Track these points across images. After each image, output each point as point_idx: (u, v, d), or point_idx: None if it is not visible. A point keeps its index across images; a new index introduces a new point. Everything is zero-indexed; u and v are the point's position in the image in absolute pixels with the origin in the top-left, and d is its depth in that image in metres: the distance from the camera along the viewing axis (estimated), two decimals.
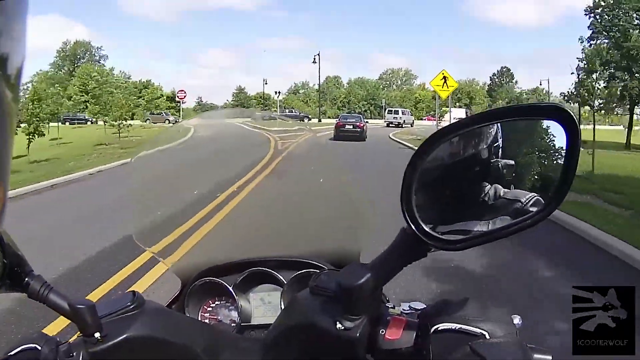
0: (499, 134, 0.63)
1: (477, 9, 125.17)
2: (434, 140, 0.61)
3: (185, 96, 38.34)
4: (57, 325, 2.93)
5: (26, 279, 0.68)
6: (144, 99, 64.29)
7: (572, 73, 21.18)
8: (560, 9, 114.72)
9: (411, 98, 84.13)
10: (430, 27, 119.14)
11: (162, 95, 66.63)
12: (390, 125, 46.19)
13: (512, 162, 0.63)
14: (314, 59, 61.84)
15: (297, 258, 1.07)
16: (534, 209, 0.61)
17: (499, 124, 0.63)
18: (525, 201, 0.62)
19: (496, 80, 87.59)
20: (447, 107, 42.01)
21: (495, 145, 0.63)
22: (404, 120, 48.16)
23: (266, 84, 72.69)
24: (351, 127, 25.84)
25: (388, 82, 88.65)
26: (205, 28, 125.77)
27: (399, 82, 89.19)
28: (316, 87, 75.54)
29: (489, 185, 0.63)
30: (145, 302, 0.75)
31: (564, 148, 0.59)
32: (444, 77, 20.00)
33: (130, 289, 0.78)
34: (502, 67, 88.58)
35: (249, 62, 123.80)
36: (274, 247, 1.15)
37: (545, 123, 0.61)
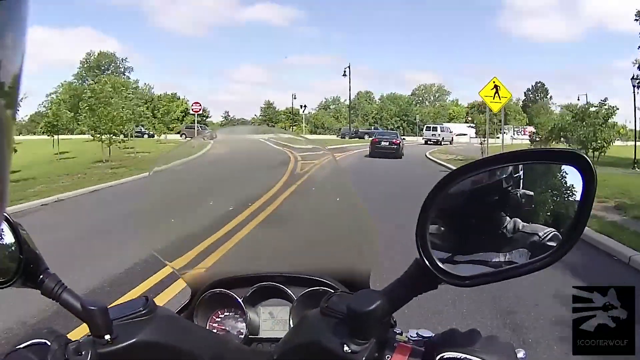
0: (520, 169, 0.67)
1: (508, 24, 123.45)
2: (454, 177, 0.64)
3: (200, 109, 36.45)
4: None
5: (41, 276, 0.72)
6: (159, 112, 64.82)
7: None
8: (591, 24, 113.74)
9: (444, 114, 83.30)
10: (461, 44, 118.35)
11: (186, 109, 65.71)
12: (429, 142, 45.13)
13: (532, 192, 0.67)
14: (344, 71, 60.09)
15: (308, 275, 1.10)
16: (552, 244, 0.64)
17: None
18: (543, 235, 0.66)
19: (530, 95, 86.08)
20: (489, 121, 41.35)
21: (515, 176, 0.66)
22: (443, 138, 46.73)
23: (295, 98, 71.88)
24: (387, 143, 26.19)
25: (421, 98, 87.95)
26: (237, 43, 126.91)
27: (432, 98, 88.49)
28: (347, 102, 76.08)
29: (508, 218, 0.66)
30: (157, 308, 0.78)
31: (580, 192, 0.63)
32: (496, 87, 17.39)
33: (143, 294, 0.83)
34: (536, 82, 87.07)
35: (280, 77, 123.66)
36: (285, 263, 1.20)
37: (564, 167, 0.65)
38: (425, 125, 51.88)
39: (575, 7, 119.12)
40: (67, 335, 0.76)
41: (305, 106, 68.43)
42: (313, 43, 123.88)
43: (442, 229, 0.66)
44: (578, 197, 0.63)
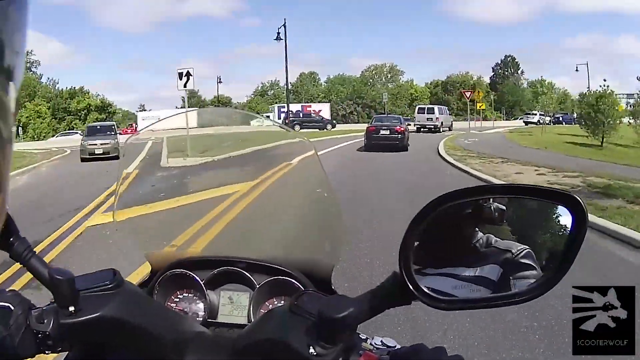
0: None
1: (455, 7, 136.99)
2: (448, 199, 0.75)
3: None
4: None
5: (11, 239, 0.77)
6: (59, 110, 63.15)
7: None
8: (541, 3, 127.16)
9: (406, 95, 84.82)
10: (408, 28, 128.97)
11: (89, 105, 63.80)
12: (422, 130, 38.74)
13: (503, 207, 0.77)
14: (277, 34, 43.09)
15: (271, 263, 1.23)
16: (525, 261, 0.74)
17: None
18: (516, 252, 0.75)
19: (499, 71, 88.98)
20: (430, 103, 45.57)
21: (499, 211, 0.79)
22: (442, 123, 40.11)
23: (220, 82, 70.54)
24: (387, 132, 23.19)
25: (372, 80, 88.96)
26: (180, 38, 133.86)
27: (383, 79, 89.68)
28: (289, 86, 74.42)
29: (481, 234, 0.77)
30: (124, 282, 0.86)
31: (569, 231, 0.73)
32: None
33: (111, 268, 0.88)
34: (505, 56, 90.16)
35: (224, 70, 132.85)
36: (250, 249, 1.34)
37: (556, 206, 0.76)
38: (418, 107, 43.97)
39: None
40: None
41: (219, 79, 68.56)
42: (257, 33, 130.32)
43: (419, 249, 0.76)
44: (566, 234, 0.74)
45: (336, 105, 77.09)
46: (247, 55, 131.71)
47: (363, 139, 24.60)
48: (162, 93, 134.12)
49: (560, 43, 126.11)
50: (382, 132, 23.43)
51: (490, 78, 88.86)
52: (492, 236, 0.77)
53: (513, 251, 0.75)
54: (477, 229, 0.78)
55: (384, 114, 45.68)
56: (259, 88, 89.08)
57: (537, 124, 53.27)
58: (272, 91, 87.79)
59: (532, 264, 0.76)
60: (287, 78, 41.89)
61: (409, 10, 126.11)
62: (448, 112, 46.74)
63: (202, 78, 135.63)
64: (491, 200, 0.78)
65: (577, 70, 60.60)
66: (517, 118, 74.40)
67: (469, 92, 43.67)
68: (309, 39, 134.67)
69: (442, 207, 0.75)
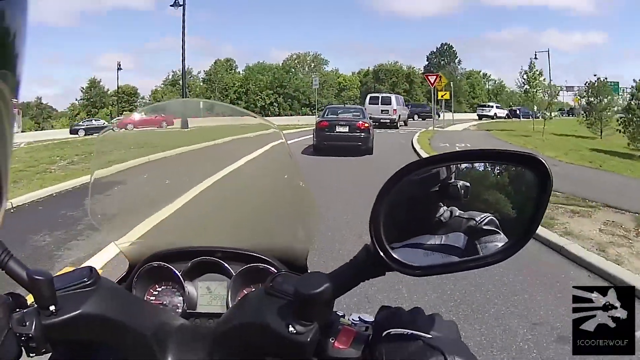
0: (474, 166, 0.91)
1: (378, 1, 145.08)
2: (412, 169, 0.83)
3: None
4: None
5: None
6: None
7: None
8: None
9: (333, 84, 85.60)
10: (329, 21, 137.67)
11: None
12: (374, 125, 27.16)
13: (469, 184, 0.86)
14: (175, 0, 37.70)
15: (247, 251, 1.34)
16: (488, 227, 0.84)
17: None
18: (479, 220, 0.85)
19: (434, 60, 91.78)
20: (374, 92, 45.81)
21: (455, 169, 0.88)
22: (399, 116, 37.96)
23: (120, 69, 69.14)
24: (346, 129, 19.05)
25: (294, 69, 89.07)
26: (103, 30, 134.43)
27: (307, 69, 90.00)
28: (202, 75, 74.23)
29: (445, 207, 0.86)
30: (101, 279, 0.93)
31: (535, 195, 0.81)
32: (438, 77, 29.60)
33: (88, 265, 0.95)
34: (442, 44, 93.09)
35: (147, 62, 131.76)
36: (225, 238, 1.44)
37: (519, 168, 0.86)
38: (370, 95, 39.85)
39: None
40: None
41: (119, 65, 66.71)
42: (179, 25, 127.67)
43: (389, 221, 0.83)
44: (532, 199, 0.82)
45: (254, 96, 76.63)
46: (170, 48, 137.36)
47: (312, 136, 20.41)
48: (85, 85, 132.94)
49: (483, 36, 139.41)
50: (338, 129, 19.06)
51: (425, 67, 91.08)
52: (456, 208, 0.86)
53: (477, 219, 0.85)
54: (441, 204, 0.87)
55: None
56: (170, 77, 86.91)
57: (493, 118, 55.17)
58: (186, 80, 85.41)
59: (496, 229, 0.85)
60: (183, 54, 38.02)
61: (332, 3, 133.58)
62: (403, 102, 42.39)
63: (125, 71, 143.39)
64: (454, 177, 0.87)
65: (536, 58, 62.78)
66: (469, 111, 76.52)
67: (435, 77, 37.17)
68: (227, 31, 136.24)
69: (409, 177, 0.83)
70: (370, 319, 0.95)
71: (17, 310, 0.86)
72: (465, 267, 0.83)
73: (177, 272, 1.32)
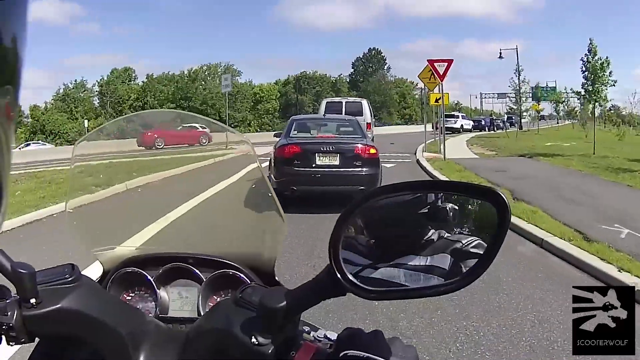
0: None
1: (289, 13, 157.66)
2: (369, 197, 0.95)
3: None
4: None
5: None
6: None
7: None
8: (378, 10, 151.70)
9: (248, 96, 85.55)
10: (242, 34, 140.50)
11: None
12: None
13: (457, 207, 0.96)
14: None
15: (217, 258, 1.53)
16: (476, 251, 0.91)
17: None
18: (466, 243, 0.93)
19: (361, 68, 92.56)
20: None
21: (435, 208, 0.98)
22: (373, 133, 24.27)
23: None
24: (334, 159, 11.36)
25: (204, 82, 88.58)
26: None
27: (218, 80, 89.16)
28: (99, 86, 71.35)
29: (433, 230, 0.95)
30: (82, 276, 1.06)
31: (495, 226, 0.90)
32: (432, 69, 23.87)
33: (70, 263, 1.07)
34: (370, 49, 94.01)
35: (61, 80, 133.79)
36: (196, 245, 1.64)
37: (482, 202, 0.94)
38: (326, 101, 26.11)
39: None
40: None
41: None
42: (95, 40, 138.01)
43: (370, 237, 0.98)
44: (493, 228, 0.91)
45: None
46: (86, 65, 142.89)
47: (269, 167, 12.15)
48: None
49: (401, 48, 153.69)
50: (319, 160, 11.35)
51: (350, 76, 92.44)
52: (444, 232, 0.95)
53: (463, 242, 0.93)
54: (429, 227, 0.96)
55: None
56: (61, 91, 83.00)
57: (459, 132, 53.36)
58: (82, 93, 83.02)
59: (481, 252, 0.92)
60: None
61: (245, 16, 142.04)
62: (371, 113, 27.91)
63: (41, 89, 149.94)
64: (441, 200, 0.98)
65: (501, 57, 64.32)
66: (401, 123, 77.46)
67: (446, 64, 24.60)
68: (143, 47, 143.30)
69: (367, 204, 0.96)
70: (335, 335, 1.08)
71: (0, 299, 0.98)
72: (418, 294, 0.94)
73: (149, 277, 1.51)
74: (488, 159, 24.36)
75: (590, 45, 24.27)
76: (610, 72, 23.95)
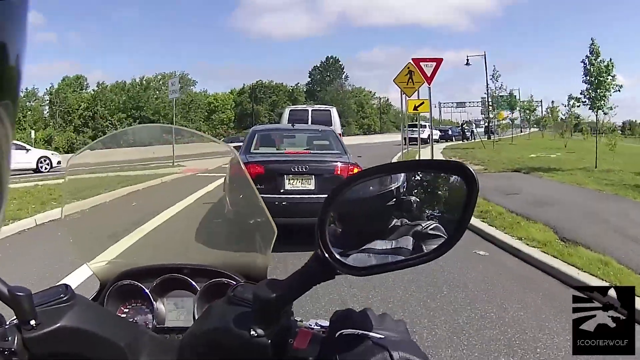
0: (413, 176, 1.10)
1: (244, 24, 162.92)
2: (351, 181, 1.02)
3: None
4: None
5: None
6: None
7: None
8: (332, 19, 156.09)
9: (202, 106, 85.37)
10: (196, 43, 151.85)
11: None
12: None
13: (419, 199, 1.08)
14: None
15: (211, 267, 1.60)
16: (434, 232, 1.02)
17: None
18: (425, 226, 1.04)
19: (317, 77, 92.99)
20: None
21: (407, 184, 1.08)
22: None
23: None
24: (308, 182, 9.27)
25: (158, 91, 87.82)
26: None
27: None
28: (50, 95, 69.94)
29: (396, 218, 1.06)
30: (76, 295, 1.10)
31: (464, 198, 0.97)
32: (410, 72, 21.50)
33: (63, 283, 1.11)
34: (327, 57, 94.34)
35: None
36: (190, 256, 1.74)
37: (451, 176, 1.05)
38: (290, 110, 22.77)
39: (315, 4, 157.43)
40: None
41: None
42: (51, 48, 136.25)
43: (340, 228, 1.06)
44: (462, 202, 0.98)
45: (102, 121, 73.92)
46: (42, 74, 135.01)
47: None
48: None
49: (356, 57, 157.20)
50: (289, 184, 9.27)
51: (307, 85, 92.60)
52: (406, 220, 1.06)
53: (422, 225, 1.05)
54: (393, 216, 1.07)
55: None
56: None
57: (427, 142, 50.83)
58: (31, 102, 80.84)
59: (440, 234, 1.02)
60: None
61: (199, 26, 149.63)
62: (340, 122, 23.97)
63: None
64: (406, 192, 1.08)
65: (468, 64, 64.88)
66: (359, 133, 78.00)
67: (435, 64, 19.58)
68: (98, 56, 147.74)
69: (348, 188, 1.02)
70: (326, 323, 1.14)
71: None
72: (404, 265, 1.00)
73: (146, 289, 1.56)
74: (482, 175, 16.96)
75: (592, 46, 21.50)
76: (614, 76, 21.40)
